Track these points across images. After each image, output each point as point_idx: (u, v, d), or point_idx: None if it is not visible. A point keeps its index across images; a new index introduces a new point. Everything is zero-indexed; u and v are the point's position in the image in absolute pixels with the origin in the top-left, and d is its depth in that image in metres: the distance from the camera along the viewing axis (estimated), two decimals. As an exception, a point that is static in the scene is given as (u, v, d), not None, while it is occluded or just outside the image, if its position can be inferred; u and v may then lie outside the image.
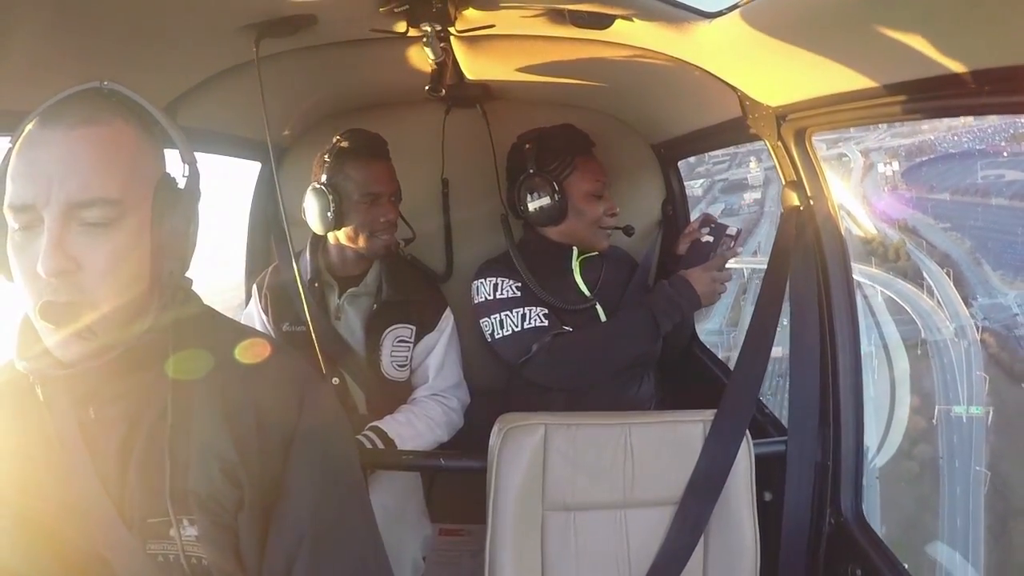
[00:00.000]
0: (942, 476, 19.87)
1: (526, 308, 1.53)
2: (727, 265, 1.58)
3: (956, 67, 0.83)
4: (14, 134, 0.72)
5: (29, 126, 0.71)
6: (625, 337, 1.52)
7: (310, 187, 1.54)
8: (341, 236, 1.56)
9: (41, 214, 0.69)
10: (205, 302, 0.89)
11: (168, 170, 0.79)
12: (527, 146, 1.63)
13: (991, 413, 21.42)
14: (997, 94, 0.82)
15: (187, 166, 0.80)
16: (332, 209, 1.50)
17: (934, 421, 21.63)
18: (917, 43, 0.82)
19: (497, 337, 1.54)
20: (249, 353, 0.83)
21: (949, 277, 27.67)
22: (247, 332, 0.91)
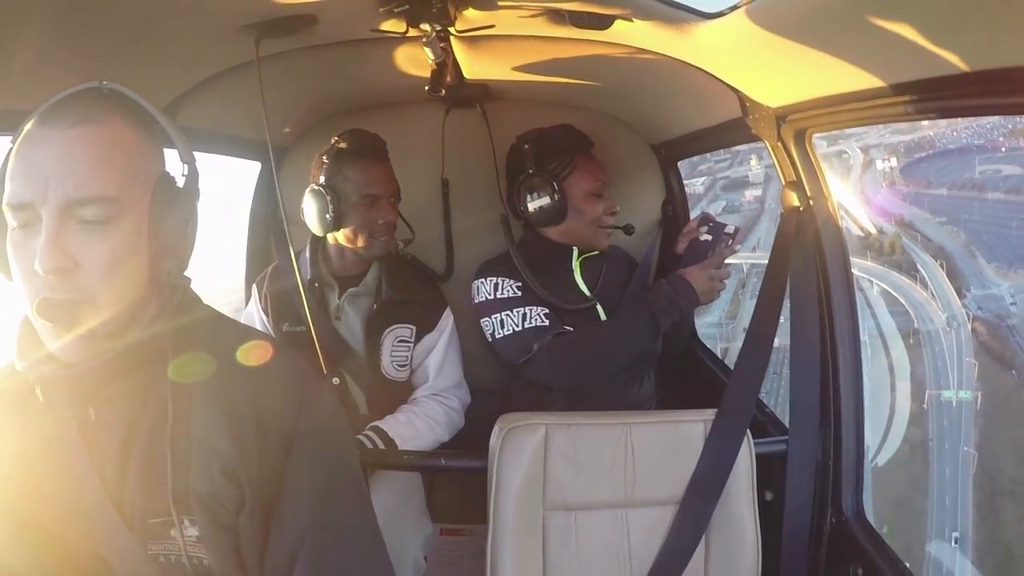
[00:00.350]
0: (931, 457, 20.26)
1: (527, 308, 1.53)
2: (725, 262, 1.58)
3: (956, 68, 0.83)
4: (14, 134, 0.73)
5: (28, 125, 0.71)
6: (625, 335, 1.52)
7: (308, 188, 1.53)
8: (340, 237, 1.56)
9: (39, 212, 0.69)
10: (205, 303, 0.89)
11: (168, 169, 0.79)
12: (526, 146, 1.63)
13: (979, 397, 21.76)
14: (997, 95, 0.82)
15: (186, 165, 0.80)
16: (331, 211, 1.50)
17: (924, 406, 22.02)
18: (917, 43, 0.82)
19: (498, 337, 1.53)
20: (250, 355, 0.83)
21: (943, 269, 28.02)
22: (248, 333, 0.91)
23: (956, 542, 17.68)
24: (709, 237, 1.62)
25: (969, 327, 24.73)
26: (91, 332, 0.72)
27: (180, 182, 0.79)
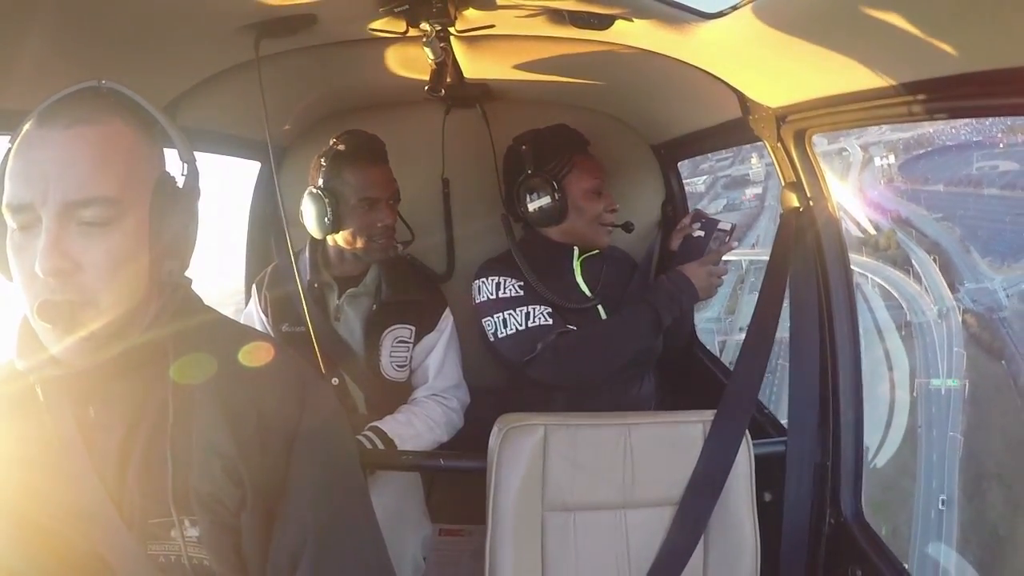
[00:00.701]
0: (919, 443, 20.92)
1: (530, 307, 1.53)
2: (724, 259, 1.59)
3: (956, 68, 0.83)
4: (12, 134, 0.72)
5: (27, 126, 0.71)
6: (629, 332, 1.53)
7: (307, 191, 1.53)
8: (339, 239, 1.56)
9: (39, 214, 0.69)
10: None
11: (167, 169, 0.79)
12: (523, 148, 1.63)
13: (967, 386, 22.31)
14: (998, 95, 0.82)
15: (186, 165, 0.80)
16: (329, 214, 1.49)
17: (914, 394, 22.55)
18: (917, 44, 0.82)
19: (500, 336, 1.53)
20: (251, 356, 0.83)
21: (936, 264, 28.48)
22: (249, 334, 0.91)
23: (943, 504, 18.72)
24: (702, 233, 1.64)
25: (960, 319, 25.24)
26: (92, 333, 0.71)
27: (180, 182, 0.79)
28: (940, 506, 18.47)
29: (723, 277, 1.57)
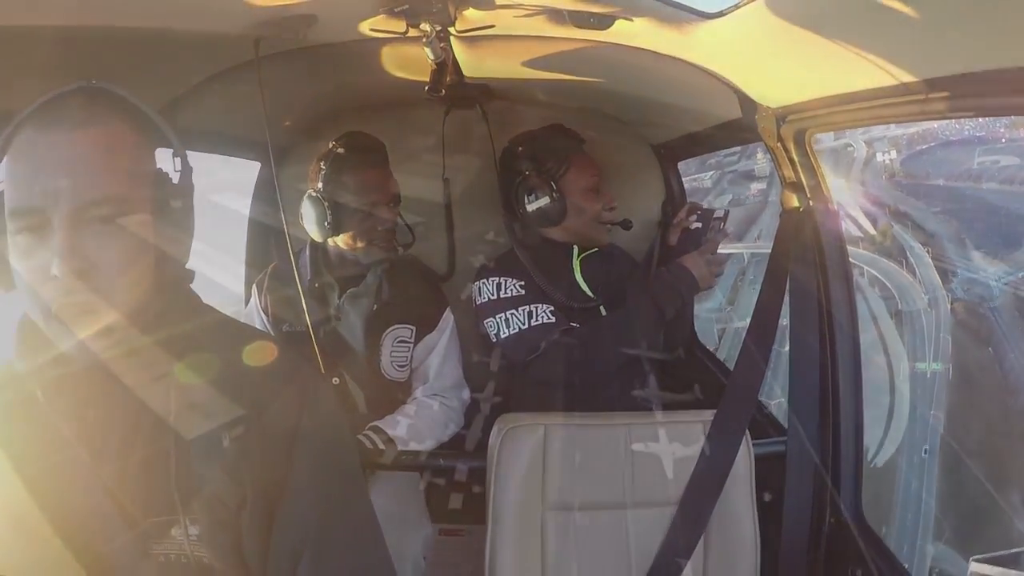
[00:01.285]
0: (904, 420, 21.67)
1: (532, 306, 1.53)
2: (721, 249, 1.60)
3: (957, 68, 0.83)
4: (3, 136, 0.73)
5: (25, 131, 0.71)
6: (632, 326, 1.53)
7: (306, 195, 1.53)
8: (340, 241, 1.56)
9: (50, 217, 0.69)
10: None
11: (160, 166, 0.80)
12: (519, 149, 1.63)
13: (951, 369, 23.08)
14: (998, 95, 0.82)
15: (179, 160, 0.80)
16: (329, 218, 1.49)
17: (899, 376, 23.26)
18: (918, 43, 0.82)
19: (503, 336, 1.53)
20: (253, 356, 0.83)
21: (929, 256, 29.01)
22: (251, 334, 0.92)
23: (926, 453, 19.45)
24: (699, 224, 1.65)
25: (948, 307, 25.85)
26: (108, 330, 0.72)
27: (175, 178, 0.80)
28: (923, 454, 19.27)
29: (723, 266, 1.58)
